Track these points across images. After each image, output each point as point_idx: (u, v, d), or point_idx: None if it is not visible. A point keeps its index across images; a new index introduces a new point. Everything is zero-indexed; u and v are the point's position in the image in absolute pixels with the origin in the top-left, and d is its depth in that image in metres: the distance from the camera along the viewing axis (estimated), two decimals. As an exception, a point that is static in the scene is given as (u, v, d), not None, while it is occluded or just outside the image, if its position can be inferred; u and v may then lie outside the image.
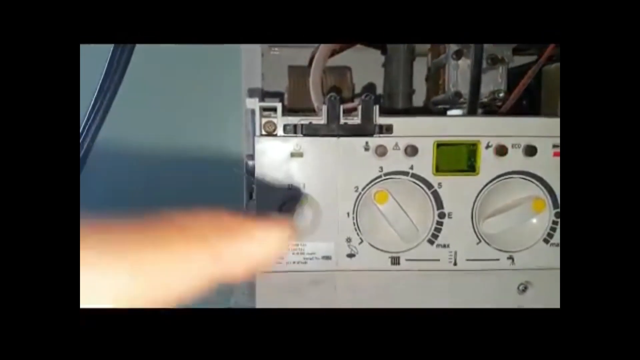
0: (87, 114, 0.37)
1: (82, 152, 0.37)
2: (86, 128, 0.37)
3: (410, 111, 0.50)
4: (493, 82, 0.42)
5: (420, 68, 0.50)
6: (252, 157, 0.35)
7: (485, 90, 0.42)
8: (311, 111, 0.41)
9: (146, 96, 0.64)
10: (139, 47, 0.58)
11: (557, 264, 0.35)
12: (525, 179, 0.34)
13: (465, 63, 0.41)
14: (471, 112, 0.40)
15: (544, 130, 0.34)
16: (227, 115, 0.59)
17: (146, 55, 0.60)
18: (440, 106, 0.45)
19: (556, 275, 0.35)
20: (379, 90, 0.53)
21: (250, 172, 0.35)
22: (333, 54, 0.47)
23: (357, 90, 0.52)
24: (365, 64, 0.53)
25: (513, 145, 0.34)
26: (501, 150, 0.34)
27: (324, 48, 0.43)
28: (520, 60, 0.46)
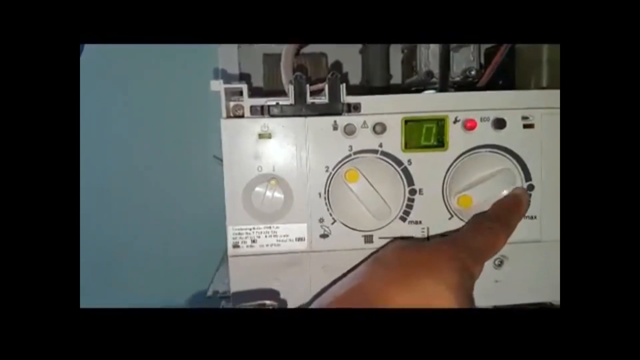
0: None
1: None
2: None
3: (390, 89, 0.50)
4: (465, 60, 0.42)
5: (398, 52, 0.50)
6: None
7: (457, 69, 0.42)
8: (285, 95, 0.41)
9: (124, 88, 0.64)
10: (121, 48, 0.59)
11: (532, 237, 0.35)
12: (495, 152, 0.34)
13: (435, 42, 0.41)
14: (442, 90, 0.39)
15: (513, 103, 0.34)
16: (206, 102, 0.59)
17: (123, 52, 0.61)
18: (414, 88, 0.45)
19: (531, 249, 0.36)
20: (357, 75, 0.53)
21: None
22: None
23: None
24: (342, 50, 0.53)
25: (482, 119, 0.34)
26: (470, 125, 0.33)
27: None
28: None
